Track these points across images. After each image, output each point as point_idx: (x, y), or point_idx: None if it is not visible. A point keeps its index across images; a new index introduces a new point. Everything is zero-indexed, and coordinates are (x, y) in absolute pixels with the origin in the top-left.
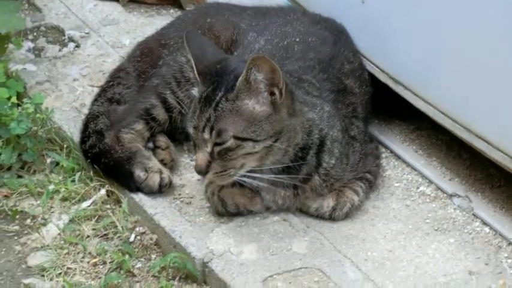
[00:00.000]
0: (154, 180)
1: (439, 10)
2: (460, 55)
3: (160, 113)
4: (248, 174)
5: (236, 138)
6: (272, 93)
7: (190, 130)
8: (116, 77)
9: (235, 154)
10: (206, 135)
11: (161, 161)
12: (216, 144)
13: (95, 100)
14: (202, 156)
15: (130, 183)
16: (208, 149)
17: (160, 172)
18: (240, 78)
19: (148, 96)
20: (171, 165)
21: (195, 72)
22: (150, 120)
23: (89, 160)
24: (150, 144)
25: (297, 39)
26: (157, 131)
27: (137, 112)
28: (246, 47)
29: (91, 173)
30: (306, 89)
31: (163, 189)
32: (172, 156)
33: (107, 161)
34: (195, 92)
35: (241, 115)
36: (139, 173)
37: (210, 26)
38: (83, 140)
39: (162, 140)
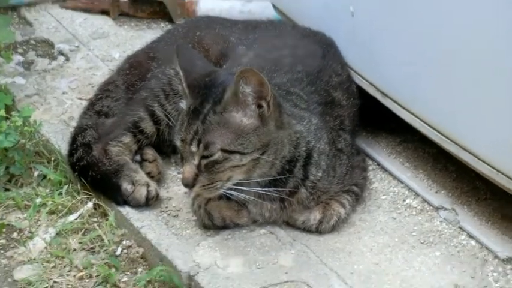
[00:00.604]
0: (141, 193)
1: (427, 24)
2: (447, 68)
3: (148, 126)
4: (235, 187)
5: (223, 151)
6: (260, 106)
7: (178, 143)
8: (104, 90)
9: (223, 167)
10: (194, 148)
11: (148, 174)
12: (203, 157)
13: (84, 113)
14: (189, 169)
15: (117, 196)
16: (196, 162)
17: (148, 185)
18: (228, 91)
19: (137, 109)
20: (158, 178)
21: (184, 84)
22: (137, 133)
23: (76, 173)
24: (138, 157)
25: (286, 53)
26: (145, 143)
27: (125, 125)
28: (235, 60)
29: (78, 186)
30: (293, 102)
31: (150, 202)
32: (160, 169)
33: (94, 174)
34: (183, 104)
35: (228, 128)
36: (126, 186)
37: (200, 39)
38: (70, 153)
39: (150, 152)
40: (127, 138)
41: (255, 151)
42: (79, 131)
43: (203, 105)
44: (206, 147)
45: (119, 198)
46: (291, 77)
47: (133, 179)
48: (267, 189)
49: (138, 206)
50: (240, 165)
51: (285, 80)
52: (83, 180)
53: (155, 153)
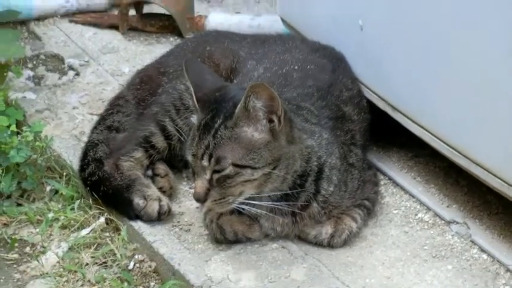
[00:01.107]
0: (154, 208)
1: (437, 37)
2: (457, 82)
3: (159, 141)
4: (247, 201)
5: (235, 165)
6: (271, 121)
7: (189, 158)
8: (115, 104)
9: (234, 181)
10: (205, 163)
11: (160, 189)
12: (214, 171)
13: (94, 128)
14: (201, 184)
15: (129, 211)
16: (207, 177)
17: (159, 200)
18: (239, 106)
19: (148, 124)
20: (170, 193)
21: (194, 99)
22: (149, 148)
23: (88, 188)
24: (149, 172)
25: (296, 67)
26: (157, 158)
27: (136, 140)
28: (245, 75)
29: (90, 200)
30: (304, 116)
31: (162, 217)
32: (171, 183)
33: (106, 189)
34: (194, 119)
35: (240, 142)
36: (138, 201)
37: (210, 54)
38: (82, 168)
39: (161, 167)
40: (138, 153)
41: (267, 166)
42: (90, 146)
43: (214, 120)
44: (217, 162)
45: (131, 213)
46: (302, 92)
47: (145, 194)
48: (278, 203)
49: (150, 220)
50: (251, 179)
51: (295, 94)
52: (95, 195)
53: (167, 168)
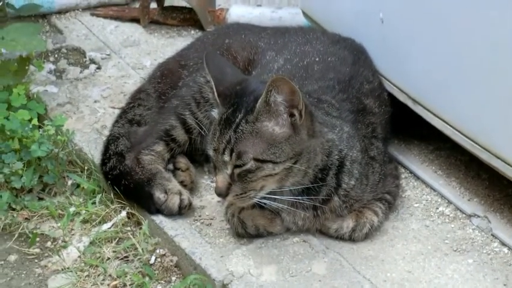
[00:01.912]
0: (174, 202)
1: (459, 30)
2: (479, 75)
3: (180, 134)
4: (268, 196)
5: (256, 160)
6: (292, 115)
7: (210, 152)
8: (136, 98)
9: (255, 176)
10: (226, 158)
11: (181, 183)
12: (236, 166)
13: (116, 122)
14: (222, 179)
15: (150, 205)
16: (229, 171)
17: (180, 194)
18: (260, 100)
19: (168, 118)
20: (191, 187)
21: (215, 93)
22: (170, 141)
23: (109, 182)
24: (170, 166)
25: (317, 59)
26: (178, 152)
27: (157, 133)
28: (264, 67)
29: (111, 195)
30: (325, 110)
31: (183, 211)
32: (192, 177)
33: (127, 183)
34: (214, 113)
35: (261, 137)
36: (159, 195)
37: (228, 47)
38: (103, 162)
39: (183, 161)
40: (159, 147)
41: (288, 160)
42: (112, 140)
43: (235, 115)
44: (239, 157)
45: (152, 207)
46: (323, 85)
47: (166, 188)
48: (300, 197)
49: (170, 214)
50: (272, 174)
51: (316, 87)
52: (116, 189)
53: (188, 162)
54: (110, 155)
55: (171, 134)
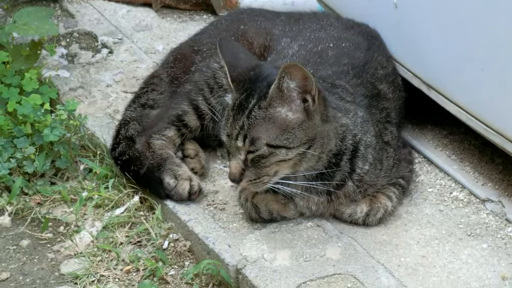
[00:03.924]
0: (184, 187)
1: (473, 15)
2: (493, 60)
3: (192, 120)
4: (282, 181)
5: (269, 146)
6: (305, 100)
7: (224, 138)
8: (149, 83)
9: (269, 161)
10: (239, 143)
11: (191, 170)
12: (249, 152)
13: (129, 106)
14: (236, 164)
15: (160, 190)
16: (242, 157)
17: (190, 180)
18: (273, 87)
19: (180, 103)
20: (202, 172)
21: (229, 79)
22: (181, 126)
23: (118, 167)
24: (179, 154)
25: (331, 45)
26: (189, 137)
27: (169, 118)
28: (279, 53)
29: (124, 179)
30: (339, 95)
31: (192, 197)
32: (202, 163)
33: (136, 168)
34: (228, 99)
35: (274, 123)
36: (168, 180)
37: (243, 33)
38: (113, 147)
39: (191, 148)
40: (171, 132)
41: (301, 145)
42: (123, 124)
43: (248, 100)
44: (252, 143)
45: (162, 192)
46: (337, 70)
47: (176, 174)
48: (313, 183)
49: (180, 200)
50: (286, 159)
51: (331, 72)
52: (126, 174)
53: (197, 147)
54: (119, 139)
55: (183, 119)
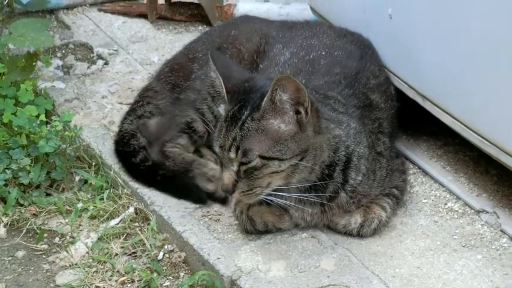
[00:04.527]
0: None
1: (468, 26)
2: (489, 71)
3: (199, 126)
4: (274, 193)
5: (262, 157)
6: (298, 112)
7: (217, 149)
8: (144, 96)
9: (261, 173)
10: (232, 155)
11: None
12: (242, 163)
13: (125, 118)
14: (228, 176)
15: (200, 195)
16: (235, 168)
17: None
18: (266, 99)
19: (187, 110)
20: None
21: (223, 90)
22: (192, 133)
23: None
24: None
25: (323, 53)
26: (199, 143)
27: (178, 126)
28: (271, 60)
29: (119, 190)
30: (331, 106)
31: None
32: None
33: (165, 172)
34: (221, 109)
35: (266, 134)
36: (206, 186)
37: (233, 39)
38: (131, 155)
39: (209, 153)
40: (184, 140)
41: (294, 157)
42: (128, 136)
43: (241, 112)
44: (244, 154)
45: (203, 196)
46: (329, 80)
47: (208, 175)
48: (307, 194)
49: (224, 203)
50: (279, 171)
51: (323, 82)
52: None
53: (211, 152)
54: (135, 148)
55: (192, 126)
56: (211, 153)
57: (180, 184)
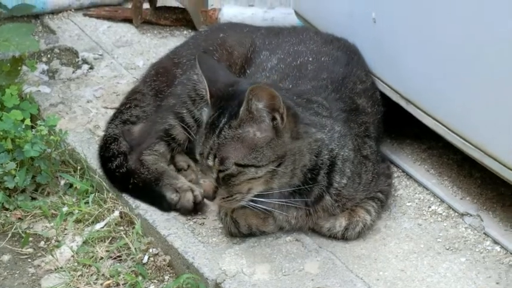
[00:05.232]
0: (188, 198)
1: (451, 30)
2: (471, 75)
3: (179, 133)
4: (256, 198)
5: (238, 165)
6: (274, 119)
7: (197, 156)
8: (132, 99)
9: (239, 180)
10: (210, 162)
11: (190, 181)
12: (219, 170)
13: (110, 122)
14: (208, 182)
15: (163, 203)
16: (214, 175)
17: (192, 190)
18: (242, 109)
19: (166, 117)
20: (197, 182)
21: (208, 95)
22: (170, 140)
23: (114, 180)
24: (172, 167)
25: (310, 59)
26: (178, 151)
27: (157, 133)
28: (258, 66)
29: (104, 194)
30: (314, 110)
31: (198, 207)
32: (197, 173)
33: (136, 181)
34: (204, 113)
35: (242, 142)
36: (170, 195)
37: (223, 41)
38: (107, 160)
39: (182, 160)
40: (161, 147)
41: (270, 163)
42: (111, 140)
43: (220, 119)
44: (221, 162)
45: (165, 205)
46: (316, 85)
47: (176, 187)
48: (291, 199)
49: (188, 213)
50: (256, 177)
51: (310, 87)
52: (121, 190)
53: (187, 159)
54: (114, 153)
55: (171, 133)
56: (185, 160)
57: (148, 192)
